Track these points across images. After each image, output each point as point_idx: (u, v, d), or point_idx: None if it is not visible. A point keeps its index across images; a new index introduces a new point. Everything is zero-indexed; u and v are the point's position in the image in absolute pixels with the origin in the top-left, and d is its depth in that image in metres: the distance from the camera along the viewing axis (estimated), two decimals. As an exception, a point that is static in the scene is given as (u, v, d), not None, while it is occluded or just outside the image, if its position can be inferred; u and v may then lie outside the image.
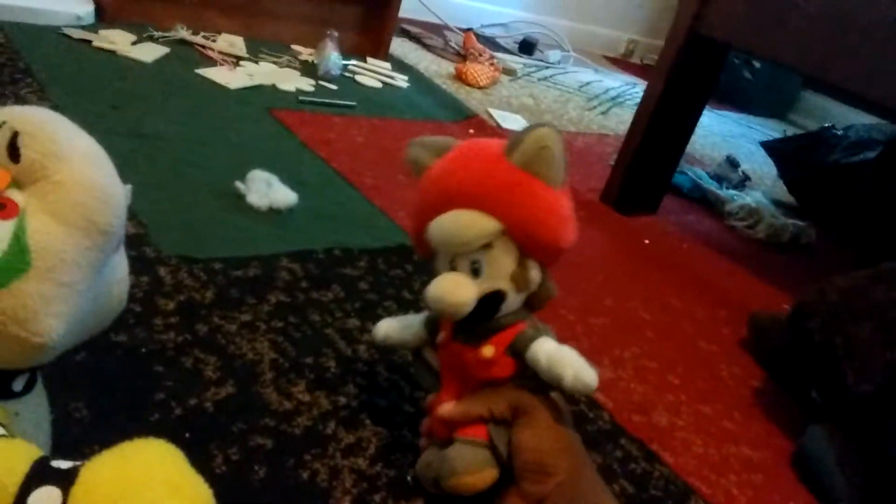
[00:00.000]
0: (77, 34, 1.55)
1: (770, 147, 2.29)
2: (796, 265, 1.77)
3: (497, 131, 1.89)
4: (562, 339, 0.67)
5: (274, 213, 1.13)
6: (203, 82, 1.57)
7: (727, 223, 1.86)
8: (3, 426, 0.35)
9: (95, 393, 0.69)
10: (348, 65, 1.96)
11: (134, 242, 0.94)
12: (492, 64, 2.42)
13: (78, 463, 0.32)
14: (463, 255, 0.63)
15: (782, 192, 2.25)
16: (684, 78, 1.53)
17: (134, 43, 1.62)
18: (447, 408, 0.68)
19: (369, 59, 2.09)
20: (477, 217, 0.60)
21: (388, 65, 2.11)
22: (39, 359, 0.37)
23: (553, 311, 0.99)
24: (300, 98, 1.65)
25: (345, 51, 1.93)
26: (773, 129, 3.30)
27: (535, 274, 0.65)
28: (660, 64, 1.55)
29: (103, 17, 1.68)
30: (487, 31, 3.01)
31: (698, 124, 1.69)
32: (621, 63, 3.66)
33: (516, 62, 2.74)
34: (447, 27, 2.81)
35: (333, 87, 1.79)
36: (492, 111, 2.05)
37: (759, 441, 1.01)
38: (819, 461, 0.94)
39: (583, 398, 0.95)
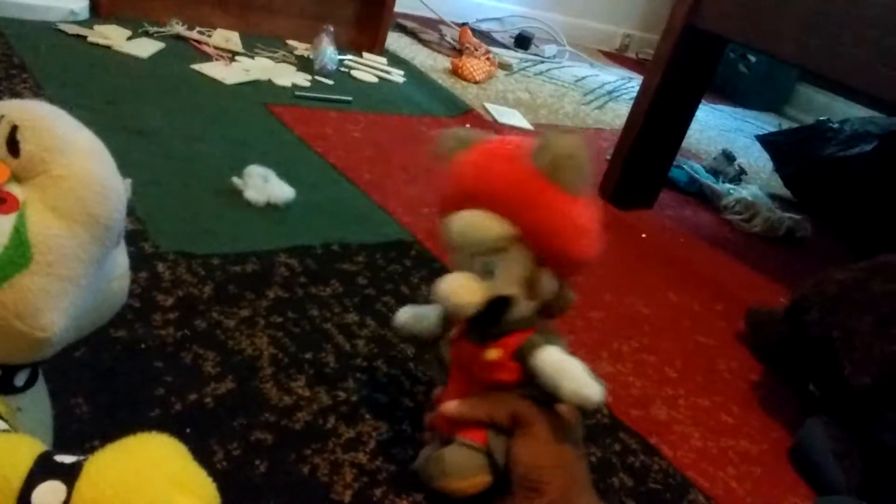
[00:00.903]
0: (72, 30, 1.54)
1: (766, 141, 2.29)
2: (792, 259, 1.77)
3: (493, 126, 1.89)
4: (561, 334, 0.67)
5: (271, 208, 1.13)
6: (199, 78, 1.57)
7: (723, 217, 1.87)
8: (6, 421, 0.35)
9: (95, 388, 0.69)
10: (344, 60, 1.95)
11: (132, 238, 0.93)
12: (487, 58, 2.41)
13: (82, 457, 0.32)
14: (477, 255, 0.61)
15: (778, 185, 2.25)
16: (680, 72, 1.54)
17: (129, 38, 1.62)
18: (450, 406, 0.68)
19: (365, 54, 2.09)
20: (492, 220, 0.59)
21: (383, 60, 2.11)
22: (41, 353, 0.37)
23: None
24: (296, 93, 1.64)
25: (340, 46, 1.92)
26: (768, 123, 3.31)
27: (547, 283, 0.63)
28: (656, 58, 1.55)
29: (98, 12, 1.67)
30: (483, 26, 3.01)
31: (694, 118, 1.69)
32: (617, 57, 3.66)
33: (512, 57, 2.74)
34: (443, 22, 2.81)
35: (329, 82, 1.79)
36: (488, 106, 2.05)
37: (757, 434, 1.02)
38: (817, 453, 0.94)
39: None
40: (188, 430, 0.69)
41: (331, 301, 0.96)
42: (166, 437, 0.34)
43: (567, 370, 0.59)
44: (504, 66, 2.55)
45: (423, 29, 2.63)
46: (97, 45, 1.54)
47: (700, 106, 1.69)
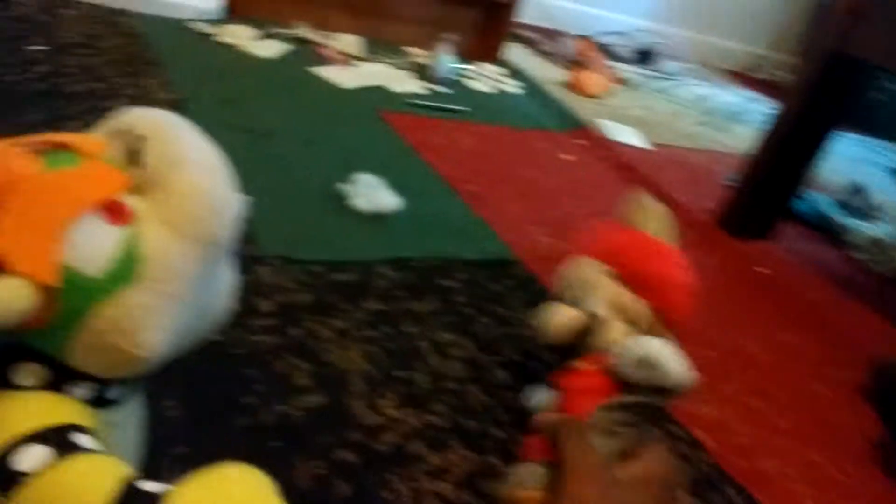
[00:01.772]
0: (203, 28, 1.61)
1: (905, 175, 2.11)
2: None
3: (607, 143, 1.83)
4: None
5: (376, 217, 1.12)
6: (318, 81, 1.59)
7: (849, 255, 1.72)
8: (97, 437, 0.34)
9: (188, 392, 0.70)
10: (461, 69, 1.94)
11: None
12: (607, 72, 2.35)
13: (167, 487, 0.31)
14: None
15: (917, 225, 2.07)
16: (821, 99, 1.42)
17: (255, 39, 1.66)
18: (545, 415, 0.65)
19: (483, 64, 2.07)
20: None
21: (501, 70, 2.08)
22: (137, 370, 0.37)
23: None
24: (411, 101, 1.64)
25: (459, 54, 1.91)
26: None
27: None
28: (796, 83, 1.45)
29: (232, 11, 1.73)
30: (604, 39, 2.93)
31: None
32: (743, 77, 3.49)
33: (632, 72, 2.65)
34: (563, 33, 2.75)
35: (445, 90, 1.78)
36: (604, 122, 1.99)
37: (874, 498, 0.92)
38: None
39: (683, 441, 0.89)
40: (273, 444, 0.68)
41: (427, 318, 0.94)
42: (254, 473, 0.32)
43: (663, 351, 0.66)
44: (623, 82, 2.47)
45: (543, 40, 2.59)
46: (225, 44, 1.59)
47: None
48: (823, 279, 1.54)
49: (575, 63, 2.45)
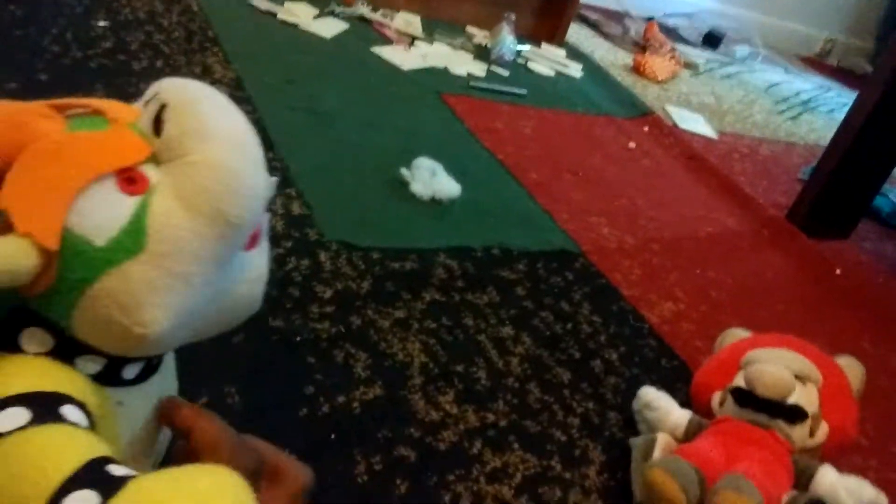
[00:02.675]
0: (263, 6, 1.59)
1: None
2: None
3: (673, 131, 1.76)
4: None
5: (436, 203, 1.09)
6: (377, 61, 1.57)
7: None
8: (89, 415, 0.32)
9: (249, 379, 0.69)
10: (522, 50, 1.89)
11: (299, 223, 0.93)
12: (672, 57, 2.27)
13: (132, 473, 0.29)
14: None
15: None
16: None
17: (316, 17, 1.64)
18: None
19: (544, 45, 2.02)
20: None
21: (562, 52, 2.03)
22: (142, 350, 0.34)
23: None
24: (471, 83, 1.60)
25: (520, 35, 1.86)
26: None
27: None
28: (876, 72, 1.36)
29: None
30: (671, 22, 2.83)
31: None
32: (816, 64, 3.34)
33: (699, 56, 2.56)
34: (628, 15, 2.66)
35: (505, 72, 1.74)
36: (669, 108, 1.92)
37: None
38: None
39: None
40: (333, 436, 0.67)
41: (487, 311, 0.91)
42: (229, 477, 0.30)
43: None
44: (690, 66, 2.38)
45: (607, 21, 2.51)
46: (285, 22, 1.57)
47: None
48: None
49: (639, 46, 2.37)
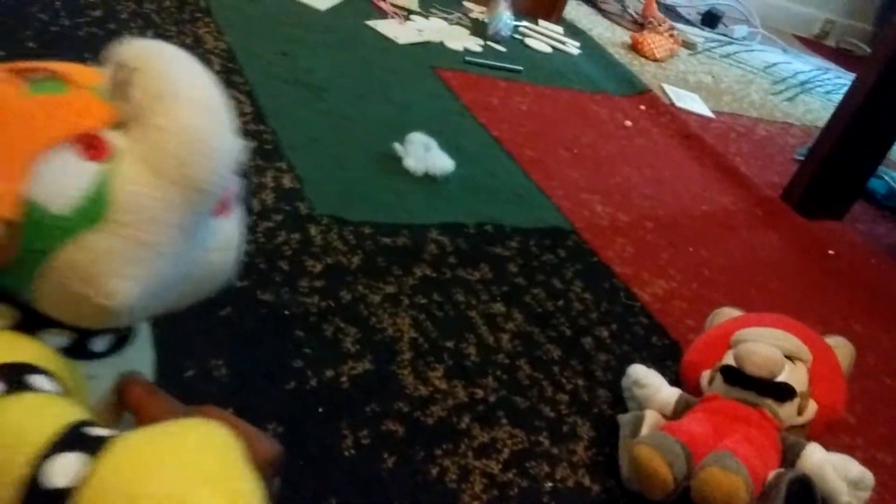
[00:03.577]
0: (258, -23, 1.57)
1: None
2: None
3: (670, 109, 1.75)
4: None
5: (429, 179, 1.09)
6: (372, 35, 1.55)
7: (926, 239, 1.63)
8: (61, 383, 0.32)
9: (236, 352, 0.68)
10: (519, 26, 1.87)
11: (290, 197, 0.92)
12: (671, 35, 2.24)
13: (115, 432, 0.28)
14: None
15: None
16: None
17: (310, -11, 1.62)
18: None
19: (541, 22, 1.99)
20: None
21: (560, 29, 2.01)
22: (109, 321, 0.33)
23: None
24: (466, 58, 1.59)
25: (517, 11, 1.84)
26: None
27: None
28: (874, 53, 1.35)
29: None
30: (669, 0, 2.80)
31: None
32: (814, 45, 3.32)
33: (697, 35, 2.53)
34: (626, -8, 2.64)
35: (502, 48, 1.72)
36: (666, 87, 1.90)
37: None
38: None
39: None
40: (320, 410, 0.66)
41: (478, 287, 0.91)
42: (216, 430, 0.29)
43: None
44: (688, 45, 2.36)
45: (605, -2, 2.49)
46: (279, -6, 1.55)
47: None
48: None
49: (638, 24, 2.35)
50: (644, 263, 1.10)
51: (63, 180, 0.30)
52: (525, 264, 0.99)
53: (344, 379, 0.70)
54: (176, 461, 0.27)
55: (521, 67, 1.64)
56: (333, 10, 1.58)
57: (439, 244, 0.96)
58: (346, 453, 0.64)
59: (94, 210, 0.30)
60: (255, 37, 1.33)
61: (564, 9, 2.08)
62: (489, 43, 1.72)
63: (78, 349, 0.34)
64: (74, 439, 0.28)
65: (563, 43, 1.92)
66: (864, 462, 0.88)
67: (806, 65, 2.77)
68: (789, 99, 2.28)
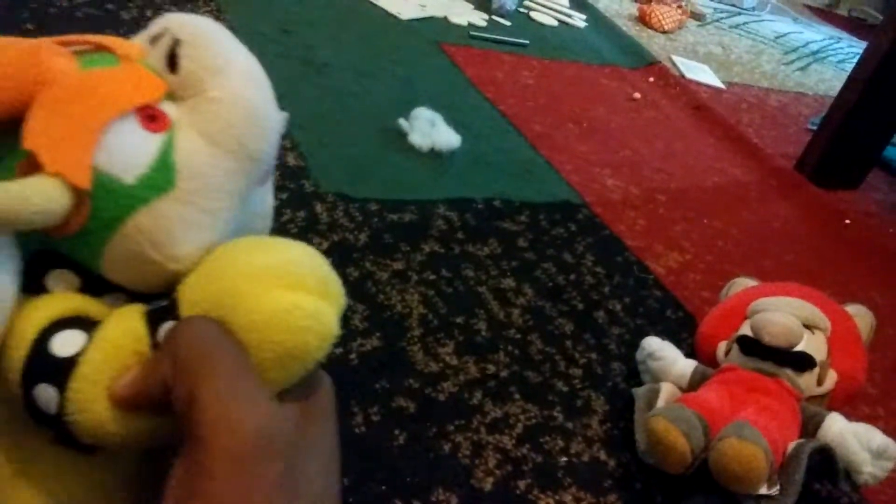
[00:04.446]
0: (258, -45, 1.54)
1: None
2: None
3: (680, 81, 1.72)
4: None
5: (435, 154, 1.07)
6: (374, 10, 1.52)
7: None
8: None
9: (242, 331, 0.67)
10: (524, 0, 1.84)
11: (294, 175, 0.91)
12: (679, 6, 2.20)
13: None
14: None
15: None
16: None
17: (311, -34, 1.59)
18: None
19: (546, -5, 1.96)
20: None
21: (565, 2, 1.97)
22: (173, 286, 0.34)
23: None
24: (471, 33, 1.56)
25: (522, -16, 1.81)
26: None
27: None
28: (887, 20, 1.32)
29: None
30: (676, -30, 2.76)
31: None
32: (825, 14, 3.26)
33: (706, 6, 2.49)
34: (632, -36, 2.59)
35: (507, 22, 1.69)
36: (675, 59, 1.87)
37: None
38: None
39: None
40: (329, 388, 0.65)
41: (487, 262, 0.89)
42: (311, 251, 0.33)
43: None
44: (696, 16, 2.32)
45: (611, -30, 2.44)
46: (280, -29, 1.53)
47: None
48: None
49: (645, -4, 2.31)
50: (657, 236, 1.08)
51: (131, 150, 0.31)
52: (535, 239, 0.97)
53: (353, 356, 0.69)
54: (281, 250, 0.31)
55: (527, 41, 1.61)
56: (335, -14, 1.56)
57: (447, 219, 0.94)
58: (357, 430, 0.63)
59: (162, 179, 0.31)
60: (256, 14, 1.31)
61: (570, -19, 2.04)
62: (494, 17, 1.69)
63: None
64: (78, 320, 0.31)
65: (570, 16, 1.89)
66: (887, 433, 0.87)
67: (817, 34, 2.73)
68: (801, 69, 2.24)
